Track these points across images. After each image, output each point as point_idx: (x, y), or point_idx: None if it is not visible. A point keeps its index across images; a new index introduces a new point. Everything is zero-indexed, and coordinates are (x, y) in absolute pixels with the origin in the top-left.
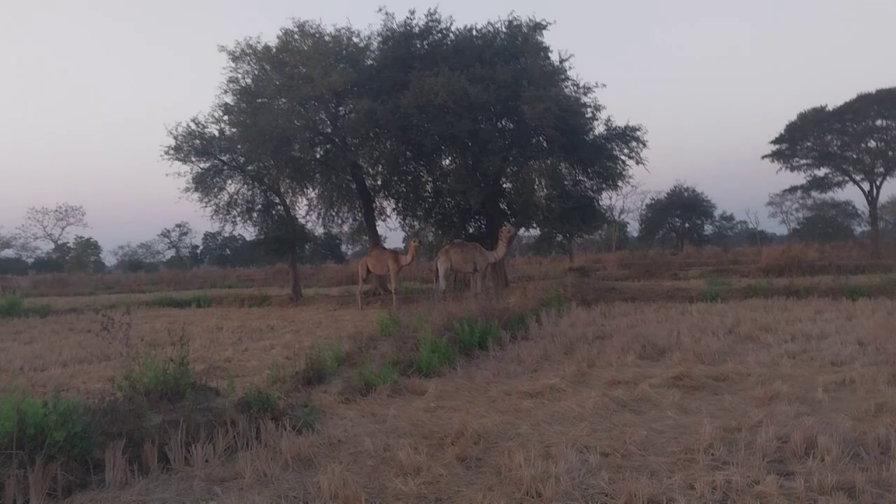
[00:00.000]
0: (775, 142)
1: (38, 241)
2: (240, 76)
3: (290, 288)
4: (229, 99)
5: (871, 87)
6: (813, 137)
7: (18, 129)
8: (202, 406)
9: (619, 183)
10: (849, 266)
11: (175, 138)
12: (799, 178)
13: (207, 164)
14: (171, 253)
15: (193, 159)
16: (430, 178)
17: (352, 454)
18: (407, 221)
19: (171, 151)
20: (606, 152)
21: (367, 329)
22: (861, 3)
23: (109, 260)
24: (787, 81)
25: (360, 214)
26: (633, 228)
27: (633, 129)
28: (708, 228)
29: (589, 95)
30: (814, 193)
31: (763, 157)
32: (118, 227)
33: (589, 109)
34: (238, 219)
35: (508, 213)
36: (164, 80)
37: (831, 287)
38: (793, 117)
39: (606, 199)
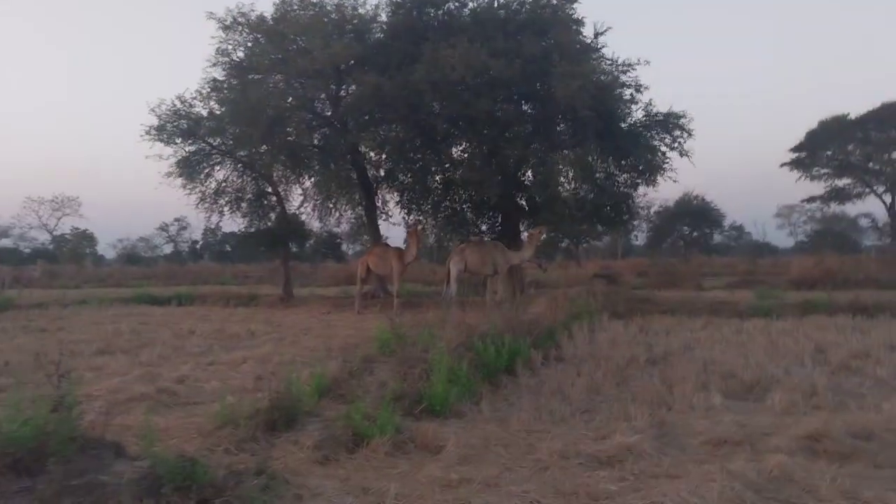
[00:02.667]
0: (794, 150)
1: (33, 231)
2: (230, 48)
3: (282, 287)
4: (218, 74)
5: None
6: (834, 146)
7: (15, 116)
8: (84, 479)
9: (659, 177)
10: (887, 280)
11: (158, 117)
12: (817, 188)
13: (193, 148)
14: (170, 247)
15: (178, 141)
16: (439, 168)
17: None
18: (411, 217)
19: (154, 132)
20: (644, 141)
21: (364, 339)
22: (888, 10)
23: (109, 253)
24: (801, 90)
25: (360, 208)
26: (637, 236)
27: (677, 116)
28: (717, 238)
29: (629, 74)
30: (831, 205)
31: (781, 166)
32: (117, 220)
33: (628, 91)
34: (226, 209)
35: (527, 209)
36: (163, 64)
37: None
38: (809, 126)
39: (640, 196)
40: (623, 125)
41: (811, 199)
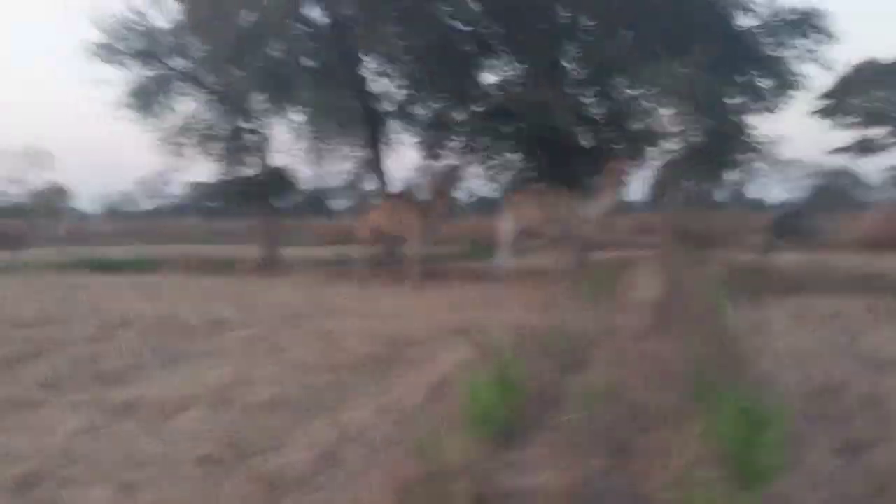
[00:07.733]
0: (825, 97)
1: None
2: None
3: (264, 251)
4: None
5: None
6: (862, 94)
7: None
8: None
9: (788, 98)
10: None
11: (106, 33)
12: (847, 139)
13: (152, 73)
14: (152, 203)
15: (130, 63)
16: (470, 97)
17: None
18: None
19: (100, 51)
20: (762, 52)
21: (390, 340)
22: None
23: (94, 208)
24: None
25: (369, 150)
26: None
27: (814, 15)
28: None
29: None
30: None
31: (812, 114)
32: (102, 173)
33: None
34: (194, 151)
35: (588, 150)
36: None
37: None
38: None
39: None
40: (737, 27)
41: (837, 151)
